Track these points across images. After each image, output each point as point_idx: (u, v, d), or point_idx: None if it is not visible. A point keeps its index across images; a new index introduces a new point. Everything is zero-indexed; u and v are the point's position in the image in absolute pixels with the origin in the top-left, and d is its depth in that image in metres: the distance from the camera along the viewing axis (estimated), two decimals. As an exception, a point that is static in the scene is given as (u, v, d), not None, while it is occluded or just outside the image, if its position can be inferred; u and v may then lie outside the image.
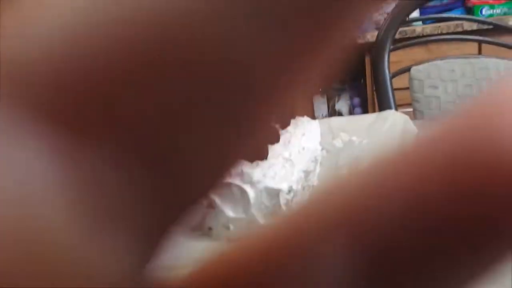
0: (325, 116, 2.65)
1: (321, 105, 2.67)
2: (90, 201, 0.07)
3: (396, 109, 0.93)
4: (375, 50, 1.07)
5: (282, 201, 0.43)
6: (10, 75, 0.07)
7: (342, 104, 2.58)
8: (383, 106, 1.03)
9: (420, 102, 1.07)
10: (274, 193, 0.43)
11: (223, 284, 0.09)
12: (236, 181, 0.44)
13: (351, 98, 2.52)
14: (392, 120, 0.65)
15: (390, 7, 2.10)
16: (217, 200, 0.45)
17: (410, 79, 1.09)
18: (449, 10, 2.03)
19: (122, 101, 0.07)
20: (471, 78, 1.01)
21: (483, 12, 1.98)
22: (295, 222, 0.08)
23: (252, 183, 0.44)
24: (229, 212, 0.45)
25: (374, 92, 2.17)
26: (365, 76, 2.18)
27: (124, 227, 0.08)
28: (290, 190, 0.43)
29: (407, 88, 1.14)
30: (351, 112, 2.50)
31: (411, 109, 1.08)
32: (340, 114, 2.56)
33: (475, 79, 1.01)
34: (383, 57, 1.04)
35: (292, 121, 0.60)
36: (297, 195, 0.46)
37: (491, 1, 2.01)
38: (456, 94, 1.02)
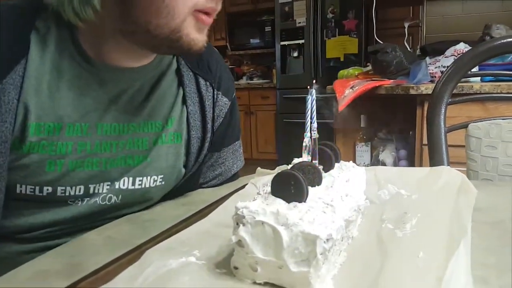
0: (367, 165, 2.59)
1: (363, 153, 2.61)
2: None
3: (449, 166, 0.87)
4: (431, 102, 1.02)
5: (319, 249, 0.38)
6: None
7: (386, 155, 2.51)
8: (435, 161, 0.97)
9: (476, 161, 1.01)
10: (310, 239, 0.39)
11: None
12: (270, 220, 0.41)
13: (397, 150, 2.46)
14: (447, 177, 0.60)
15: (450, 61, 2.05)
16: (247, 238, 0.42)
17: (467, 136, 1.04)
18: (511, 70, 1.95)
19: None
20: (535, 142, 0.94)
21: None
22: None
23: (287, 225, 0.40)
24: (259, 253, 0.41)
25: (423, 147, 2.12)
26: (415, 128, 2.12)
27: None
28: (329, 239, 0.39)
29: (461, 146, 1.08)
30: (395, 164, 2.43)
31: (463, 169, 1.02)
32: (383, 165, 2.49)
33: (539, 143, 0.93)
34: (440, 110, 0.99)
35: (336, 164, 0.56)
36: (336, 245, 0.42)
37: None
38: (516, 157, 0.95)
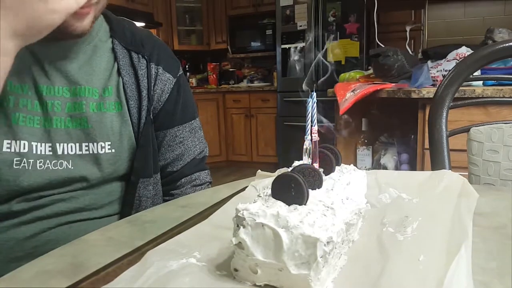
0: (368, 169, 2.57)
1: (365, 157, 2.61)
2: None
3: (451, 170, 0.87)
4: (433, 105, 1.02)
5: (319, 252, 0.38)
6: None
7: (388, 159, 2.51)
8: (436, 165, 0.97)
9: (477, 166, 1.01)
10: (311, 242, 0.39)
11: None
12: (271, 222, 0.41)
13: (398, 154, 2.45)
14: (449, 180, 0.60)
15: (452, 65, 2.04)
16: (247, 240, 0.42)
17: (469, 140, 1.03)
18: (514, 74, 1.94)
19: None
20: (538, 146, 0.94)
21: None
22: None
23: (287, 228, 0.40)
24: (259, 255, 0.41)
25: (424, 151, 2.12)
26: (417, 132, 2.12)
27: None
28: (329, 242, 0.39)
29: (462, 150, 1.08)
30: (397, 168, 2.43)
31: (465, 173, 1.02)
32: (385, 169, 2.49)
33: (543, 148, 0.93)
34: (441, 114, 0.99)
35: (337, 167, 0.56)
36: (336, 248, 0.42)
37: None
38: (519, 161, 0.95)
